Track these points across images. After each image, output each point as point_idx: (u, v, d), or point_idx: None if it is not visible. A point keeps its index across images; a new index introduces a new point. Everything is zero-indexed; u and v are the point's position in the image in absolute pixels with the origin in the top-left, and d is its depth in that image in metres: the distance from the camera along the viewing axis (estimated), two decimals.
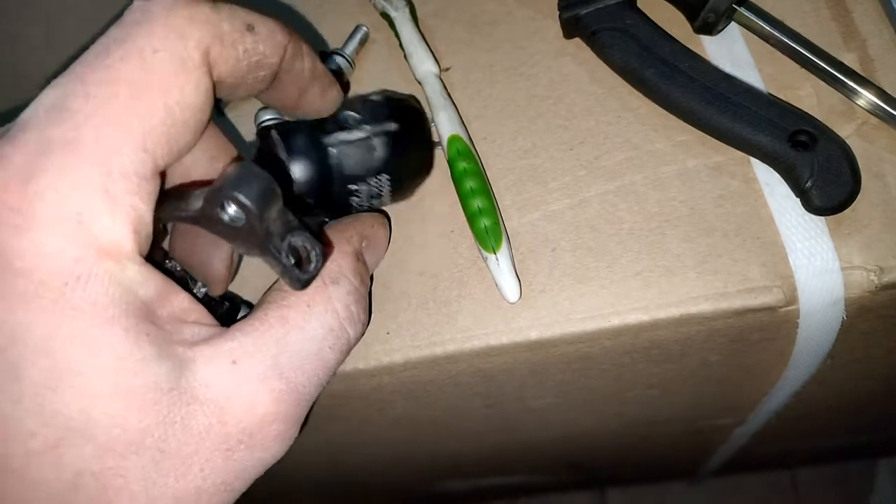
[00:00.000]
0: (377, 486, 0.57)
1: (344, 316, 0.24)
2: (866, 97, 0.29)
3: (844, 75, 0.29)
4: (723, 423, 0.45)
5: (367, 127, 0.27)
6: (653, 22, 0.31)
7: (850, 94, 0.29)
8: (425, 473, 0.55)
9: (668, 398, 0.38)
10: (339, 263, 0.25)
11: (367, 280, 0.26)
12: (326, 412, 0.35)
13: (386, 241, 0.29)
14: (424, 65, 0.33)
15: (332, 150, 0.27)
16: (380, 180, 0.28)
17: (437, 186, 0.32)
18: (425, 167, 0.30)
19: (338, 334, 0.23)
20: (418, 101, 0.32)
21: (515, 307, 0.29)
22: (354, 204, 0.28)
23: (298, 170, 0.26)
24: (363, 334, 0.25)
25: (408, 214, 0.31)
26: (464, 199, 0.30)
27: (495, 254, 0.29)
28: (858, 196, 0.27)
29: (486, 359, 0.30)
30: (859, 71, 0.30)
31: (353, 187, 0.27)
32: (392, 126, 0.28)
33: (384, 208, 0.31)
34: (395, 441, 0.42)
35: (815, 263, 0.27)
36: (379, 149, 0.27)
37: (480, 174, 0.30)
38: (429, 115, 0.32)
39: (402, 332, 0.30)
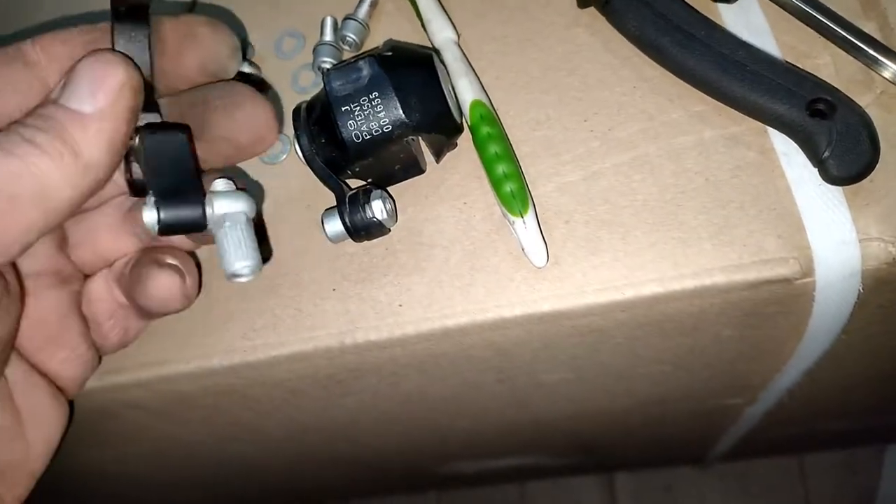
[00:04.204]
0: (390, 465, 0.57)
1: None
2: (886, 66, 0.28)
3: (864, 43, 0.28)
4: (734, 403, 0.45)
5: (360, 56, 0.29)
6: None
7: (869, 62, 0.28)
8: (437, 452, 0.55)
9: (679, 375, 0.38)
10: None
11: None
12: (341, 388, 0.35)
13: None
14: (444, 32, 0.33)
15: (325, 75, 0.29)
16: (372, 102, 0.28)
17: (449, 157, 0.31)
18: (432, 103, 0.29)
19: None
20: (432, 51, 0.31)
21: (529, 279, 0.29)
22: (353, 129, 0.28)
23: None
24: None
25: (420, 186, 0.31)
26: (488, 164, 0.29)
27: (522, 217, 0.28)
28: (877, 166, 0.27)
29: (499, 331, 0.30)
30: (879, 39, 0.29)
31: (346, 108, 0.28)
32: (383, 51, 0.29)
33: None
34: (407, 417, 0.42)
35: (832, 235, 0.27)
36: (365, 68, 0.28)
37: (504, 139, 0.30)
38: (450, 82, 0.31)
39: (414, 304, 0.30)
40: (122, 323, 0.29)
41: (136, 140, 0.25)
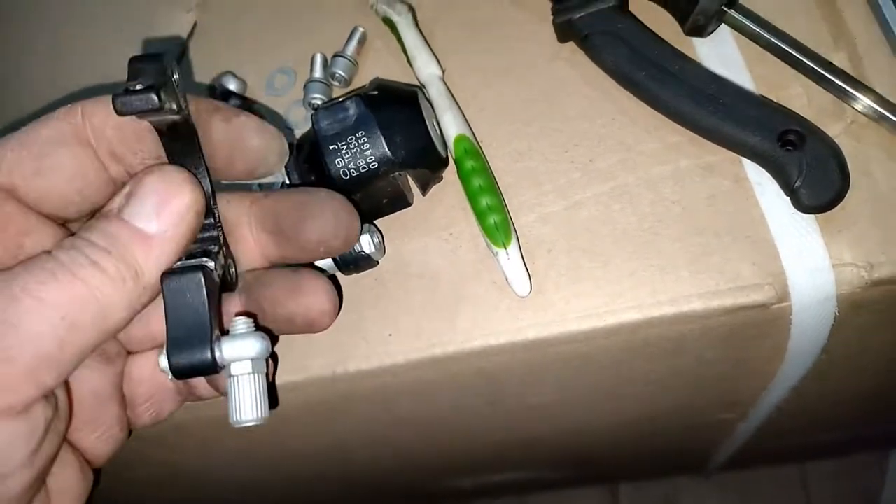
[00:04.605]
0: (387, 484, 0.58)
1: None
2: (855, 96, 0.29)
3: (833, 75, 0.29)
4: (724, 418, 0.46)
5: (348, 96, 0.30)
6: (644, 25, 0.32)
7: (839, 93, 0.29)
8: (433, 470, 0.56)
9: (666, 394, 0.39)
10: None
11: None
12: (333, 414, 0.35)
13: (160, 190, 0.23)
14: (429, 68, 0.34)
15: (314, 115, 0.30)
16: (359, 140, 0.29)
17: (435, 189, 0.32)
18: (417, 140, 0.30)
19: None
20: (417, 89, 0.32)
21: (513, 308, 0.30)
22: (340, 167, 0.29)
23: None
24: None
25: (407, 218, 0.32)
26: (472, 196, 0.30)
27: (506, 249, 0.29)
28: (848, 194, 0.28)
29: (486, 359, 0.31)
30: (849, 69, 0.30)
31: (333, 147, 0.29)
32: (369, 91, 0.30)
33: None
34: (401, 439, 0.43)
35: (805, 261, 0.28)
36: (352, 108, 0.29)
37: (487, 172, 0.31)
38: (434, 117, 0.32)
39: (403, 334, 0.31)
40: (158, 405, 0.28)
41: None
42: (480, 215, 0.30)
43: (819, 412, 0.48)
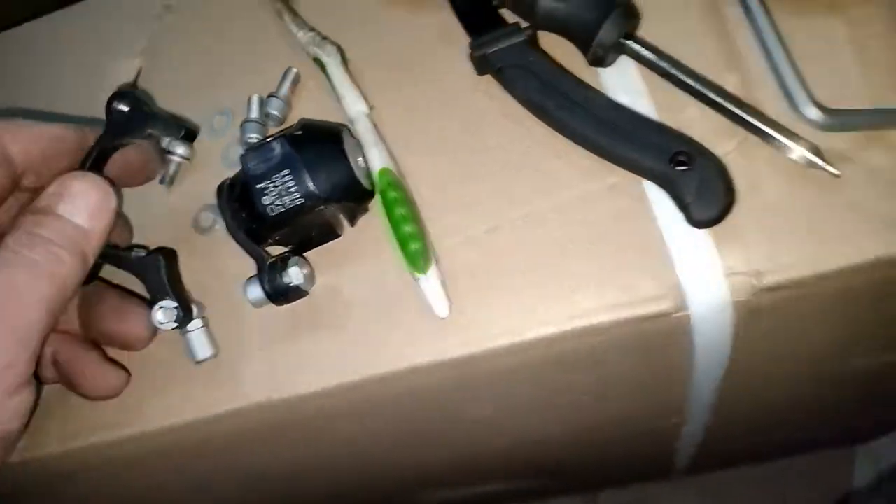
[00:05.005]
0: (351, 501, 0.59)
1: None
2: (743, 119, 0.31)
3: (724, 99, 0.32)
4: (667, 424, 0.48)
5: (275, 136, 0.33)
6: (552, 58, 0.34)
7: (729, 115, 0.32)
8: (397, 485, 0.57)
9: (601, 403, 0.41)
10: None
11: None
12: (279, 439, 0.37)
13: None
14: (356, 106, 0.36)
15: (242, 156, 0.32)
16: (284, 179, 0.31)
17: (363, 219, 0.34)
18: (340, 175, 0.32)
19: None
20: (341, 126, 0.34)
21: (439, 329, 0.32)
22: (268, 204, 0.31)
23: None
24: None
25: (336, 248, 0.34)
26: (395, 225, 0.32)
27: (426, 274, 0.31)
28: (738, 207, 0.30)
29: (416, 378, 0.33)
30: (739, 91, 0.32)
31: (261, 186, 0.31)
32: (294, 131, 0.32)
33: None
34: (354, 460, 0.45)
35: (700, 272, 0.30)
36: (277, 147, 0.32)
37: (409, 202, 0.33)
38: (361, 152, 0.34)
39: (336, 358, 0.33)
40: None
41: None
42: (402, 242, 0.32)
43: (758, 416, 0.50)
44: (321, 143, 0.32)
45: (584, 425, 0.46)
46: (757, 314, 0.31)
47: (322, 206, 0.32)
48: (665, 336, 0.32)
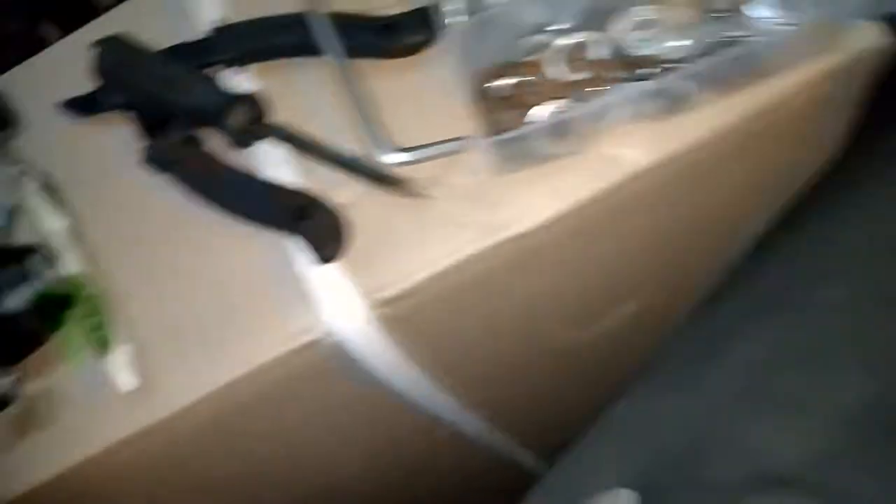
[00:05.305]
0: None
1: None
2: (358, 172, 0.38)
3: (334, 162, 0.38)
4: (443, 434, 0.53)
5: None
6: (204, 151, 0.40)
7: (343, 168, 0.38)
8: None
9: (346, 444, 0.46)
10: None
11: None
12: None
13: None
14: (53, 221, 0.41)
15: None
16: None
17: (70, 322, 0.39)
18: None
19: None
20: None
21: (129, 401, 0.37)
22: None
23: None
24: None
25: (42, 354, 0.39)
26: (82, 320, 0.38)
27: (109, 355, 0.37)
28: (358, 241, 0.36)
29: (109, 457, 0.37)
30: (351, 143, 0.39)
31: None
32: None
33: None
34: None
35: (338, 300, 0.36)
36: None
37: (94, 300, 0.38)
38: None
39: (42, 448, 0.37)
40: None
41: None
42: (89, 333, 0.37)
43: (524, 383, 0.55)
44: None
45: (374, 451, 0.51)
46: (400, 322, 0.37)
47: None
48: (330, 359, 0.37)
